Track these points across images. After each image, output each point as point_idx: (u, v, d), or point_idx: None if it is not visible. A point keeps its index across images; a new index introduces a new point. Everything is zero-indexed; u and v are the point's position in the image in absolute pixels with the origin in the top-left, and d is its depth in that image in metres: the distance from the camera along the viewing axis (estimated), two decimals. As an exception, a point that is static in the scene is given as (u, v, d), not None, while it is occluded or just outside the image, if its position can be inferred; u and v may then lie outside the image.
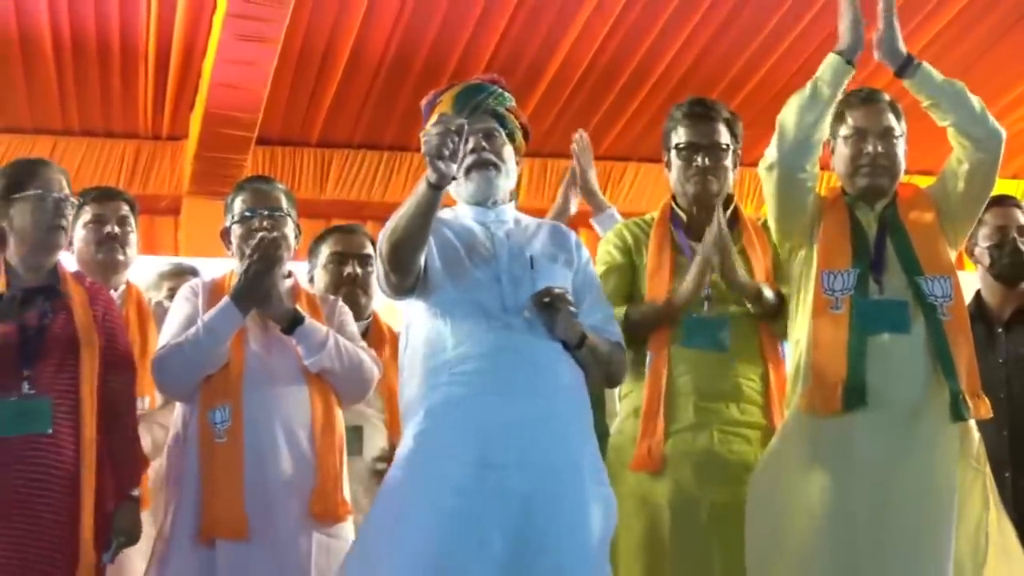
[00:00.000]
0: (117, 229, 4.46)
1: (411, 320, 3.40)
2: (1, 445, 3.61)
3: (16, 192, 3.84)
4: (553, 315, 3.26)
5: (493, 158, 3.42)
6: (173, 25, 6.80)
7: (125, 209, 4.53)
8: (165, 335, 3.93)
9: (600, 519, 3.26)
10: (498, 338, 3.27)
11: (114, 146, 8.07)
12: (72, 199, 3.87)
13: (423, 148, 3.12)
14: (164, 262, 5.54)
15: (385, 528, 3.21)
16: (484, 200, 3.44)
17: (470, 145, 3.37)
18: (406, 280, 3.30)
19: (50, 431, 3.66)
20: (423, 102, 3.55)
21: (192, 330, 3.74)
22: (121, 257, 4.46)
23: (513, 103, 3.52)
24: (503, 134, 3.45)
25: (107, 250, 4.44)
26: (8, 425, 3.62)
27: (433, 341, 3.32)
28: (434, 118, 3.26)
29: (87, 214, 4.46)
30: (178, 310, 3.95)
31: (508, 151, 3.46)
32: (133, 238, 4.52)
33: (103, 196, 4.58)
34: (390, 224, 3.25)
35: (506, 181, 3.47)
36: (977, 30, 6.93)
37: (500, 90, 3.50)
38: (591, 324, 3.38)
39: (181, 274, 4.69)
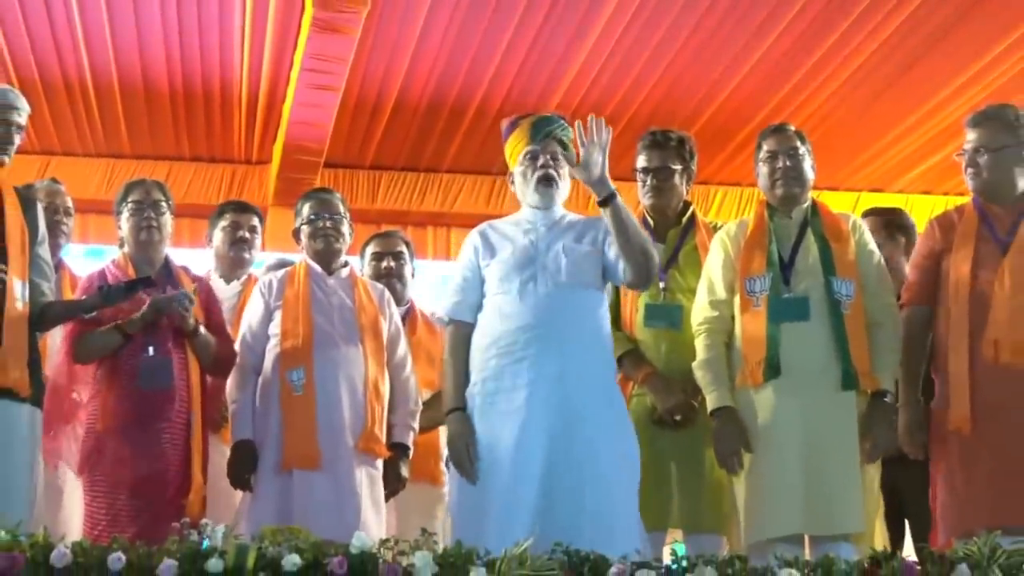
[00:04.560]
0: (248, 235, 4.46)
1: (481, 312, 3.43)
2: (136, 395, 3.65)
3: (121, 205, 3.86)
4: (589, 150, 3.25)
5: (555, 176, 3.42)
6: (260, 77, 6.83)
7: (255, 220, 4.53)
8: (244, 322, 3.97)
9: (622, 444, 3.30)
10: (535, 316, 3.29)
11: (215, 169, 8.05)
12: (163, 203, 3.85)
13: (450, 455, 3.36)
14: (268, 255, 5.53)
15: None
16: (545, 206, 3.45)
17: (540, 162, 3.40)
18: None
19: (171, 385, 3.67)
20: (505, 122, 3.55)
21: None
22: (247, 255, 4.48)
23: (571, 135, 3.46)
24: (564, 157, 3.42)
25: (238, 249, 4.44)
26: (143, 379, 3.64)
27: (489, 325, 3.35)
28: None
29: (226, 220, 4.47)
30: (251, 307, 3.98)
31: (565, 170, 3.44)
32: (258, 242, 4.54)
33: (240, 208, 4.59)
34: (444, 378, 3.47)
35: (560, 192, 3.46)
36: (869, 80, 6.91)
37: (565, 123, 3.48)
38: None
39: (283, 265, 4.67)
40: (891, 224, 4.31)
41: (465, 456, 3.29)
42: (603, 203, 3.28)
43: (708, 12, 6.21)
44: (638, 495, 3.31)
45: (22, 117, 3.54)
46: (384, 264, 4.48)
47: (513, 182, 3.50)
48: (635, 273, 3.34)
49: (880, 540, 3.65)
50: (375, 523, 3.69)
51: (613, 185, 3.29)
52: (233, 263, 4.43)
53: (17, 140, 3.54)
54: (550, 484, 3.15)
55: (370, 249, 4.57)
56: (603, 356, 3.36)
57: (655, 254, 3.37)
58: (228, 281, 4.40)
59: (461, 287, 3.45)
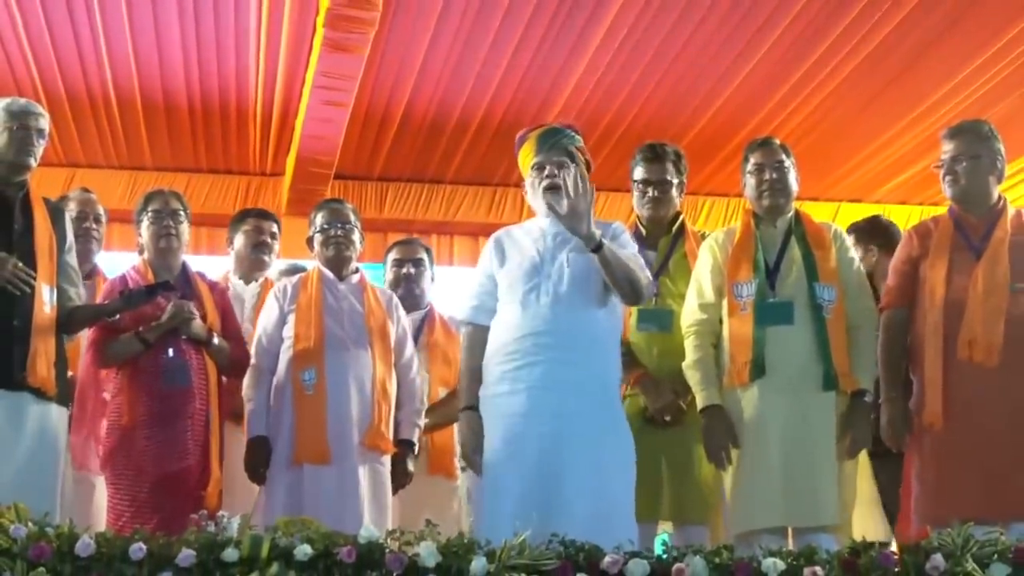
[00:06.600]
0: (268, 239, 4.47)
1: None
2: (158, 394, 3.64)
3: (142, 214, 3.86)
4: (575, 203, 3.15)
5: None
6: (274, 93, 6.83)
7: (275, 227, 4.53)
8: (259, 325, 3.96)
9: (617, 448, 3.23)
10: (535, 326, 3.24)
11: (231, 180, 8.03)
12: (181, 212, 3.85)
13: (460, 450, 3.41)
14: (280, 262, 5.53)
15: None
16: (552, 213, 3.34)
17: (546, 172, 3.31)
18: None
19: (189, 384, 3.67)
20: (518, 135, 3.46)
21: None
22: (267, 259, 4.49)
23: (581, 143, 3.41)
24: (571, 166, 3.29)
25: (258, 252, 4.44)
26: (164, 379, 3.63)
27: (496, 333, 3.32)
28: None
29: (248, 225, 4.46)
30: (266, 311, 3.97)
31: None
32: (276, 247, 4.54)
33: (261, 215, 4.58)
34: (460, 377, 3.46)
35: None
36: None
37: (573, 133, 3.40)
38: (625, 255, 3.27)
39: (295, 271, 4.67)
40: (876, 231, 4.35)
41: (471, 453, 3.30)
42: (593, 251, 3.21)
43: (696, 32, 6.21)
44: (634, 498, 3.24)
45: (39, 122, 3.52)
46: (404, 270, 4.50)
47: (527, 193, 3.43)
48: (623, 299, 3.31)
49: (877, 530, 3.67)
50: (377, 515, 3.68)
51: (598, 234, 3.20)
52: (253, 265, 4.43)
53: (39, 144, 3.52)
54: (544, 485, 3.11)
55: (392, 256, 4.59)
56: (603, 362, 3.28)
57: (642, 279, 3.28)
58: (247, 282, 4.41)
59: (478, 292, 3.40)
